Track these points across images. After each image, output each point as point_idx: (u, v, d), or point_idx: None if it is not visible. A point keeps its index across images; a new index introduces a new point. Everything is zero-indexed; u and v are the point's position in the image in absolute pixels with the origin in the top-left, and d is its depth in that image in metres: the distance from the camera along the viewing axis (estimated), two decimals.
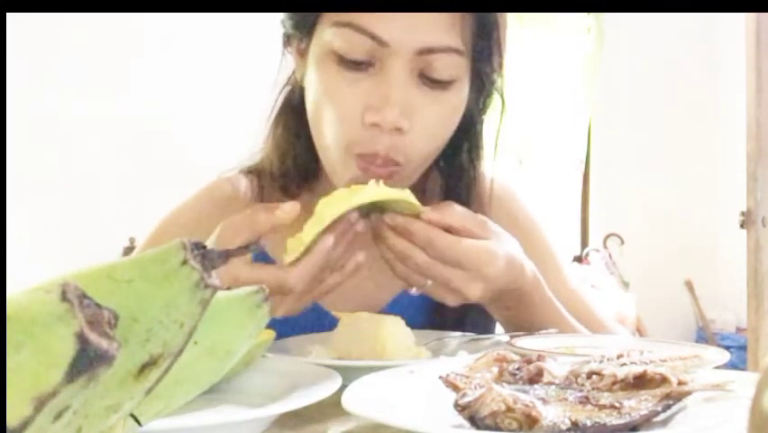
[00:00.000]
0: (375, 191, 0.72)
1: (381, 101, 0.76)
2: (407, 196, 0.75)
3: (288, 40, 0.87)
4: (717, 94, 3.91)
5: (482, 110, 0.90)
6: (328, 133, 0.80)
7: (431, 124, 0.80)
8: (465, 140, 0.91)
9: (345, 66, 0.78)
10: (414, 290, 0.78)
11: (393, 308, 0.90)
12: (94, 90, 2.77)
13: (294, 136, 0.90)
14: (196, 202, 0.96)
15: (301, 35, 0.84)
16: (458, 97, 0.82)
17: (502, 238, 0.79)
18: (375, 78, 0.77)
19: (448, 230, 0.76)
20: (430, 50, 0.77)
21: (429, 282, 0.76)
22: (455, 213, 0.77)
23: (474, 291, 0.75)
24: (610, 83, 3.69)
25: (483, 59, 0.82)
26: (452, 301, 0.77)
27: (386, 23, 0.76)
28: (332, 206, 0.71)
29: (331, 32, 0.78)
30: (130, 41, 2.80)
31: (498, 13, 0.81)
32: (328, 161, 0.83)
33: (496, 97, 0.90)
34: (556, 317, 0.82)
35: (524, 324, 0.81)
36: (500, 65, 0.85)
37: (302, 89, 0.86)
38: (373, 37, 0.76)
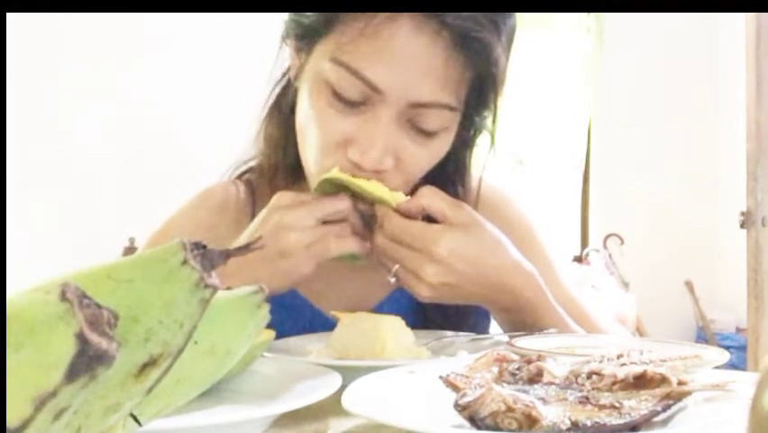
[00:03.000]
0: (343, 175, 0.78)
1: (367, 142, 0.77)
2: (384, 193, 0.78)
3: (286, 36, 0.87)
4: (717, 94, 3.91)
5: (469, 144, 0.90)
6: (311, 156, 0.82)
7: (412, 165, 0.81)
8: (451, 168, 0.91)
9: (337, 98, 0.78)
10: (390, 278, 0.79)
11: (389, 305, 0.90)
12: (94, 90, 2.77)
13: (284, 132, 0.91)
14: (191, 210, 0.97)
15: (301, 46, 0.83)
16: (443, 143, 0.82)
17: (478, 226, 0.79)
18: (364, 117, 0.78)
19: (426, 215, 0.78)
20: (423, 105, 0.77)
21: (396, 267, 0.78)
22: (426, 195, 0.79)
23: (429, 273, 0.76)
24: (610, 83, 3.69)
25: (475, 108, 0.83)
26: (418, 288, 0.78)
27: (383, 72, 0.76)
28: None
29: (328, 66, 0.78)
30: (130, 41, 2.80)
31: (501, 73, 0.80)
32: (309, 174, 0.85)
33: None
34: (557, 323, 0.82)
35: (524, 328, 0.81)
36: (494, 111, 0.85)
37: (295, 88, 0.86)
38: (368, 83, 0.76)
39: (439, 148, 0.82)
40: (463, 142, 0.89)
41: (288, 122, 0.89)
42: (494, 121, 0.86)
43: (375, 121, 0.77)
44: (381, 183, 0.78)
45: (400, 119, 0.78)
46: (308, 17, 0.81)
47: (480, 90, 0.81)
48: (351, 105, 0.78)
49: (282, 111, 0.91)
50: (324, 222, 0.78)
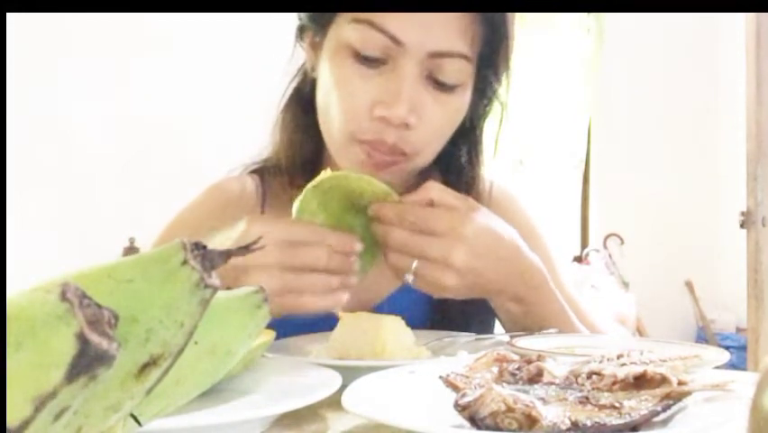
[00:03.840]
0: (339, 174, 0.75)
1: (392, 97, 0.79)
2: (382, 187, 0.76)
3: (301, 32, 0.90)
4: (717, 94, 3.91)
5: (482, 115, 0.93)
6: (335, 120, 0.83)
7: (435, 123, 0.83)
8: (465, 142, 0.94)
9: (359, 60, 0.81)
10: (408, 278, 0.77)
11: (389, 305, 0.90)
12: (94, 90, 2.76)
13: (302, 126, 0.93)
14: (204, 201, 0.98)
15: (316, 28, 0.86)
16: (461, 101, 0.85)
17: (489, 215, 0.80)
18: (387, 75, 0.80)
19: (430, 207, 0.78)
20: (442, 54, 0.80)
21: (415, 263, 0.76)
22: (434, 189, 0.79)
23: (457, 257, 0.75)
24: (610, 83, 3.69)
25: (487, 67, 0.86)
26: (444, 278, 0.75)
27: (403, 24, 0.79)
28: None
29: (349, 27, 0.80)
30: (130, 41, 2.80)
31: (508, 25, 0.84)
32: (333, 146, 0.86)
33: (497, 105, 0.93)
34: (563, 317, 0.83)
35: (532, 323, 0.81)
36: (506, 75, 0.89)
37: (312, 81, 0.89)
38: (389, 36, 0.79)
39: (457, 106, 0.84)
40: (476, 117, 0.91)
41: (305, 116, 0.91)
42: (506, 74, 0.88)
43: (398, 77, 0.80)
44: (377, 178, 0.77)
45: (421, 74, 0.80)
46: None
47: (491, 48, 0.84)
48: (373, 64, 0.80)
49: (299, 105, 0.93)
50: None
